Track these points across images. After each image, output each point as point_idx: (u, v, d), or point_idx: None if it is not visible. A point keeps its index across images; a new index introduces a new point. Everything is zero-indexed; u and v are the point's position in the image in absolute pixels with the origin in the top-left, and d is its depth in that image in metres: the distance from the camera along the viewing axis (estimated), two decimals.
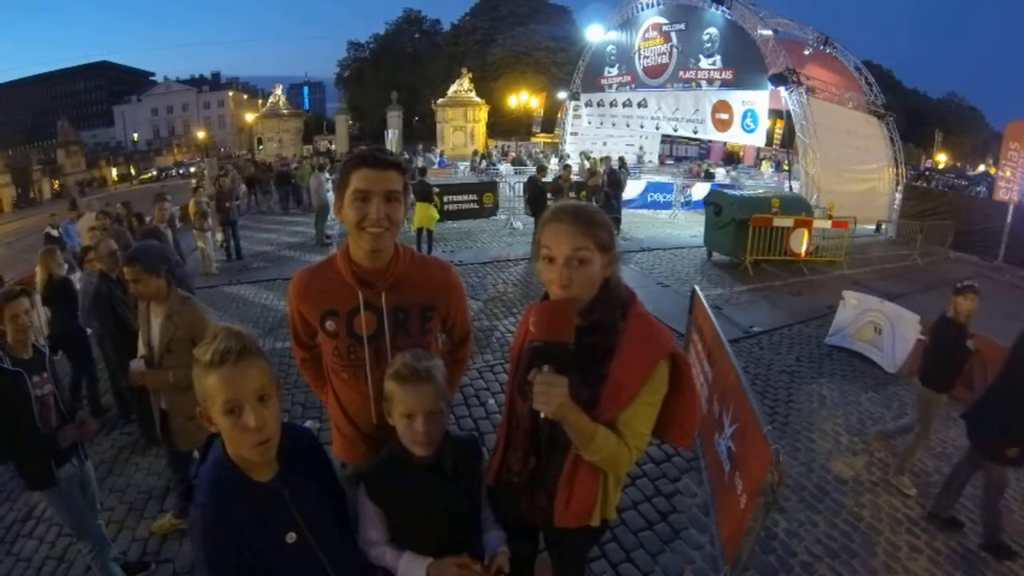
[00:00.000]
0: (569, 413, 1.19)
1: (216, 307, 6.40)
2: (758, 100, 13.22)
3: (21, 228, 21.51)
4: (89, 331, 5.01)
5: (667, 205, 15.07)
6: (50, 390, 2.27)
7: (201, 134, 53.16)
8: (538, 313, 1.23)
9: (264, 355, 1.13)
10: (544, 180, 10.04)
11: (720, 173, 21.24)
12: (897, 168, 13.20)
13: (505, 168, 20.58)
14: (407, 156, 21.65)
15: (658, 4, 16.26)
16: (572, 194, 9.74)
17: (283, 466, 1.18)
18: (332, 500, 1.28)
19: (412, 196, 8.04)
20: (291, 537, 1.14)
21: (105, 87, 62.16)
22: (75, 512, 2.36)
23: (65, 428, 2.29)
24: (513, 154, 27.22)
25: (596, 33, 19.56)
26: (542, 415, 1.20)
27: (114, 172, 42.85)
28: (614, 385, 1.26)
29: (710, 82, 14.72)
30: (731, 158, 30.22)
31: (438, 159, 25.58)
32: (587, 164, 16.78)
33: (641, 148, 23.17)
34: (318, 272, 1.55)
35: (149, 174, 42.57)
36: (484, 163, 22.48)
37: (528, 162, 21.93)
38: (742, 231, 8.67)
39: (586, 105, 20.89)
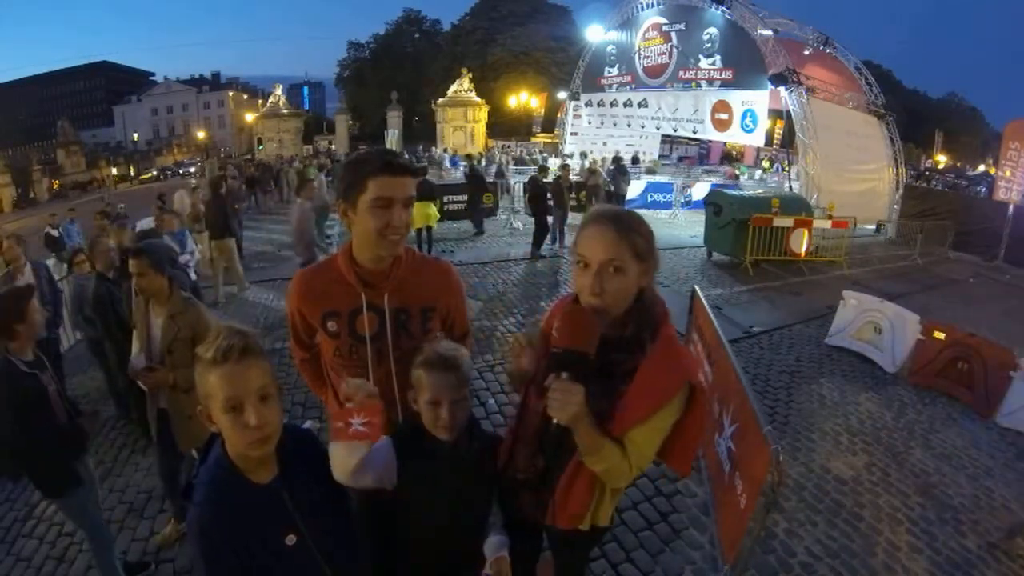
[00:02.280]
0: (580, 423, 1.19)
1: (216, 307, 6.40)
2: (758, 100, 13.23)
3: (21, 228, 21.49)
4: (80, 335, 5.07)
5: (667, 205, 15.07)
6: (55, 387, 2.25)
7: (201, 134, 53.13)
8: (562, 320, 1.22)
9: (266, 356, 1.13)
10: (544, 180, 10.05)
11: (756, 175, 21.80)
12: (897, 168, 13.20)
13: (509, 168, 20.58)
14: (407, 155, 21.58)
15: (658, 4, 16.26)
16: (572, 194, 9.75)
17: (283, 468, 1.18)
18: (332, 502, 1.28)
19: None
20: (290, 539, 1.14)
21: (105, 87, 62.12)
22: (92, 509, 2.34)
23: (81, 420, 2.28)
24: (513, 154, 27.26)
25: (596, 33, 19.55)
26: (554, 421, 1.20)
27: (114, 172, 42.83)
28: (630, 403, 1.24)
29: (710, 82, 14.72)
30: (728, 158, 30.30)
31: (451, 159, 25.20)
32: (584, 165, 16.83)
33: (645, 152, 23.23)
34: (319, 273, 1.55)
35: (149, 174, 42.55)
36: (484, 163, 22.37)
37: (526, 159, 22.05)
38: (742, 231, 8.67)
39: (586, 105, 20.89)
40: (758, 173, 22.68)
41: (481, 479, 1.44)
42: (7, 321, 2.11)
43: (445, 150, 28.44)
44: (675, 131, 17.52)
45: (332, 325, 1.50)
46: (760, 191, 13.96)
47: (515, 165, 19.32)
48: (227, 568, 1.07)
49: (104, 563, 2.43)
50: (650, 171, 18.56)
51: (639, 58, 17.38)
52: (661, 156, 27.32)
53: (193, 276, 5.64)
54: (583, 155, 19.84)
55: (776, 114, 16.23)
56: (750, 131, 13.82)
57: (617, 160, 15.04)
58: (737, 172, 22.83)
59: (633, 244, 1.23)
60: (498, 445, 1.53)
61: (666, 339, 1.30)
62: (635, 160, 20.89)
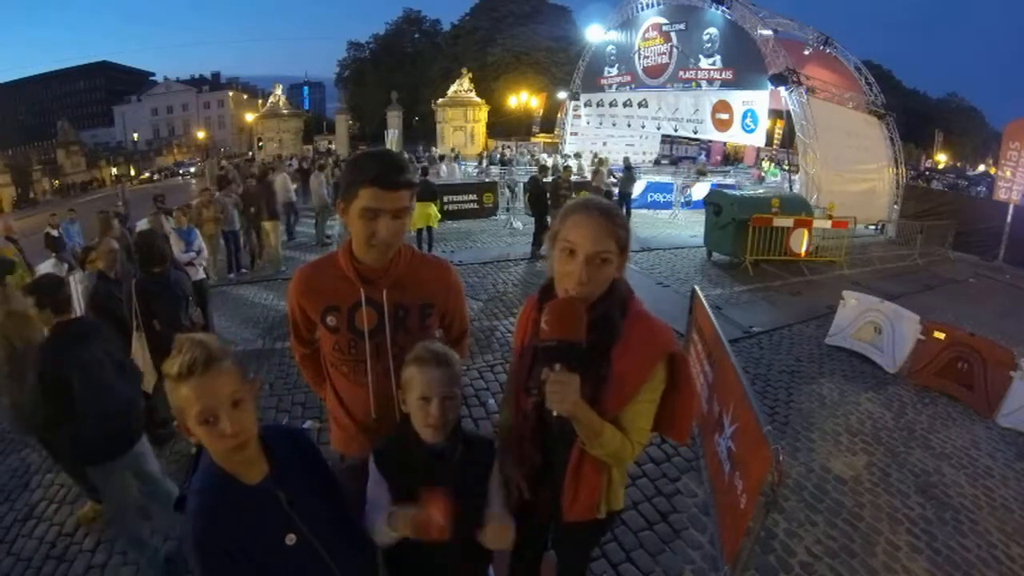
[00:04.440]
0: (580, 410, 1.21)
1: (217, 307, 6.40)
2: (758, 100, 13.23)
3: (21, 228, 21.46)
4: None
5: (667, 205, 15.07)
6: None
7: (201, 134, 53.16)
8: (550, 312, 1.23)
9: (233, 357, 1.10)
10: (545, 180, 10.05)
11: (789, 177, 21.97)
12: (897, 168, 13.20)
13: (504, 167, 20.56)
14: (406, 155, 21.56)
15: (658, 4, 16.27)
16: (572, 194, 9.72)
17: (275, 467, 1.17)
18: (332, 500, 1.28)
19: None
20: (291, 539, 1.14)
21: (105, 87, 62.18)
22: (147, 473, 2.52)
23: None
24: (511, 154, 27.31)
25: (596, 33, 19.57)
26: (554, 413, 1.21)
27: (114, 171, 42.78)
28: (617, 383, 1.27)
29: (710, 82, 14.73)
30: (727, 158, 30.32)
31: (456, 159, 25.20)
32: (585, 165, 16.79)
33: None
34: (319, 268, 1.56)
35: (145, 175, 42.51)
36: (485, 163, 22.39)
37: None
38: (742, 231, 8.66)
39: (585, 105, 20.90)
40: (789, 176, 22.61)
41: (472, 482, 1.43)
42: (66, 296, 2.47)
43: (452, 149, 28.49)
44: (675, 131, 17.54)
45: (332, 320, 1.51)
46: (760, 191, 13.97)
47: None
48: (227, 573, 1.07)
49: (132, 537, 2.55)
50: (700, 173, 18.67)
51: (639, 58, 17.39)
52: (662, 156, 27.44)
53: (202, 274, 5.65)
54: (577, 155, 19.85)
55: (776, 114, 16.23)
56: (750, 131, 13.83)
57: (627, 161, 15.09)
58: (763, 173, 22.61)
59: (619, 237, 1.27)
60: (490, 447, 1.52)
61: (636, 314, 1.33)
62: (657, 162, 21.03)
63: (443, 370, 1.36)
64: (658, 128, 18.22)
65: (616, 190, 12.14)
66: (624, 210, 12.03)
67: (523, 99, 35.75)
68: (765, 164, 24.95)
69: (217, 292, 7.48)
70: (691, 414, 1.40)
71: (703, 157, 28.50)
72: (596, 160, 15.34)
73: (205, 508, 1.09)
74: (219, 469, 1.11)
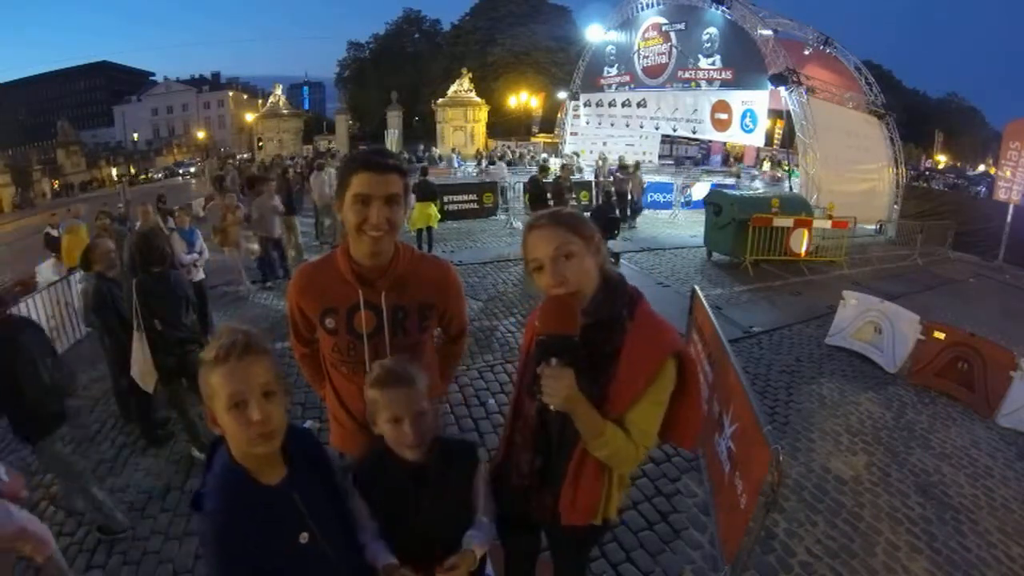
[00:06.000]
0: (577, 405, 1.21)
1: (216, 307, 6.39)
2: (757, 100, 13.25)
3: (21, 229, 21.49)
4: (90, 329, 5.11)
5: (667, 205, 15.06)
6: None
7: (201, 134, 53.15)
8: (543, 308, 1.25)
9: (271, 354, 1.12)
10: (545, 180, 10.06)
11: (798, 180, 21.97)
12: (897, 168, 13.21)
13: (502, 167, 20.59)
14: (406, 155, 21.61)
15: (658, 4, 16.29)
16: (572, 194, 9.72)
17: (291, 468, 1.18)
18: (335, 499, 1.29)
19: (412, 197, 8.00)
20: (304, 538, 1.14)
21: (105, 87, 62.09)
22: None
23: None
24: (510, 155, 27.39)
25: (596, 33, 19.60)
26: (551, 408, 1.21)
27: (114, 172, 42.73)
28: (621, 383, 1.26)
29: (709, 82, 14.74)
30: (728, 158, 30.34)
31: (457, 160, 25.34)
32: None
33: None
34: (319, 269, 1.56)
35: (146, 175, 42.45)
36: (485, 163, 22.40)
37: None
38: (742, 231, 8.67)
39: (585, 105, 20.91)
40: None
41: (455, 491, 1.41)
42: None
43: (453, 150, 28.55)
44: (674, 131, 17.55)
45: (330, 322, 1.51)
46: (760, 191, 13.97)
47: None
48: (244, 571, 1.07)
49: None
50: (735, 175, 18.70)
51: (638, 58, 17.41)
52: (683, 157, 27.43)
53: (201, 275, 5.66)
54: (575, 155, 19.88)
55: (776, 114, 16.24)
56: (750, 131, 13.84)
57: (622, 160, 15.05)
58: (777, 174, 22.37)
59: (572, 227, 1.29)
60: (471, 452, 1.49)
61: (644, 314, 1.33)
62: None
63: (406, 389, 1.32)
64: (657, 128, 18.24)
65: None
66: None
67: (523, 99, 35.81)
68: (784, 164, 24.63)
69: (217, 291, 7.48)
70: (699, 419, 1.37)
71: (717, 158, 28.56)
72: (635, 164, 14.77)
73: (225, 507, 1.09)
74: (238, 467, 1.11)
